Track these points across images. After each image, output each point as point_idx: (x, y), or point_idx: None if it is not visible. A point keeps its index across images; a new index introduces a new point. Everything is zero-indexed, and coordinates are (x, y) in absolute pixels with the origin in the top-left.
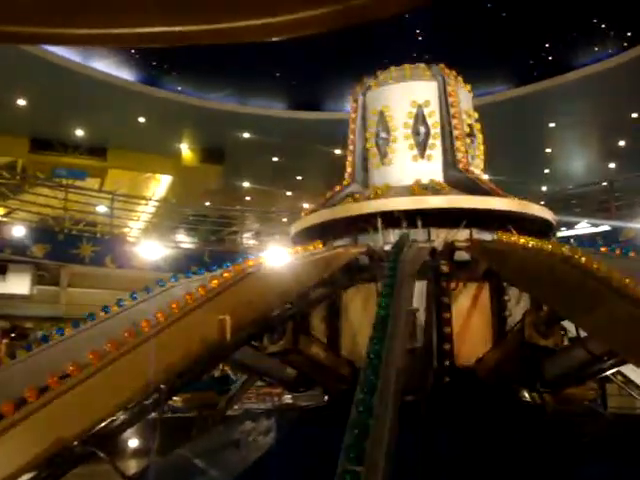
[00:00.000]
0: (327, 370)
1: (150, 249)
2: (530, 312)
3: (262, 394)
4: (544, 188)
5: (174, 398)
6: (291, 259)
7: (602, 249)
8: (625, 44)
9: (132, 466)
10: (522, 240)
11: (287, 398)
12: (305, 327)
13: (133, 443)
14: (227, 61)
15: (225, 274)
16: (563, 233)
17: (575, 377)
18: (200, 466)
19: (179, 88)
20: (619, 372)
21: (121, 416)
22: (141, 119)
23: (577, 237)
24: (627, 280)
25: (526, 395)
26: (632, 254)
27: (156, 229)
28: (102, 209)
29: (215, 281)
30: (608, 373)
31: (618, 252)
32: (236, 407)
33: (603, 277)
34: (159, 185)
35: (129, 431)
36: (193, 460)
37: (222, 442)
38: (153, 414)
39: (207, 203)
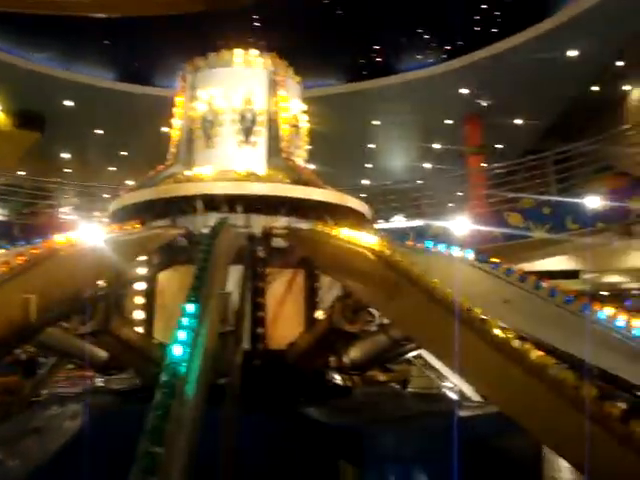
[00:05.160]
0: (139, 352)
1: None
2: (339, 299)
3: (73, 377)
4: (366, 182)
5: None
6: (107, 237)
7: (409, 243)
8: (445, 56)
9: None
10: (336, 230)
11: (99, 381)
12: (118, 308)
13: None
14: (53, 21)
15: (32, 250)
16: (380, 226)
17: (379, 360)
18: None
19: None
20: (419, 355)
21: None
22: None
23: (392, 230)
24: (423, 273)
25: (336, 377)
26: (433, 248)
27: None
28: None
29: (21, 258)
30: (409, 356)
31: (420, 246)
32: (44, 392)
33: (403, 269)
34: None
35: None
36: None
37: (22, 429)
38: None
39: (21, 172)
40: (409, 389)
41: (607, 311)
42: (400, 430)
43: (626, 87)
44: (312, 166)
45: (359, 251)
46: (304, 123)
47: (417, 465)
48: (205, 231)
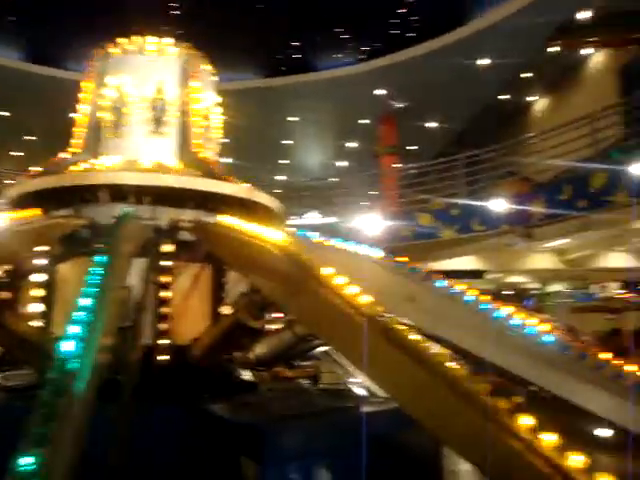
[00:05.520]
0: (35, 347)
1: None
2: (245, 295)
3: None
4: (282, 178)
5: None
6: (2, 226)
7: (318, 240)
8: (363, 57)
9: None
10: (244, 226)
11: None
12: (14, 301)
13: None
14: None
15: None
16: (294, 222)
17: (284, 356)
18: None
19: None
20: (328, 352)
21: None
22: None
23: (306, 227)
24: (329, 270)
25: (244, 373)
26: (341, 246)
27: None
28: None
29: None
30: (318, 352)
31: (330, 244)
32: None
33: (307, 266)
34: None
35: None
36: None
37: None
38: None
39: None
40: (319, 385)
41: (506, 310)
42: (303, 426)
43: (531, 97)
44: (228, 160)
45: (264, 247)
46: (218, 116)
47: (320, 461)
48: (109, 222)
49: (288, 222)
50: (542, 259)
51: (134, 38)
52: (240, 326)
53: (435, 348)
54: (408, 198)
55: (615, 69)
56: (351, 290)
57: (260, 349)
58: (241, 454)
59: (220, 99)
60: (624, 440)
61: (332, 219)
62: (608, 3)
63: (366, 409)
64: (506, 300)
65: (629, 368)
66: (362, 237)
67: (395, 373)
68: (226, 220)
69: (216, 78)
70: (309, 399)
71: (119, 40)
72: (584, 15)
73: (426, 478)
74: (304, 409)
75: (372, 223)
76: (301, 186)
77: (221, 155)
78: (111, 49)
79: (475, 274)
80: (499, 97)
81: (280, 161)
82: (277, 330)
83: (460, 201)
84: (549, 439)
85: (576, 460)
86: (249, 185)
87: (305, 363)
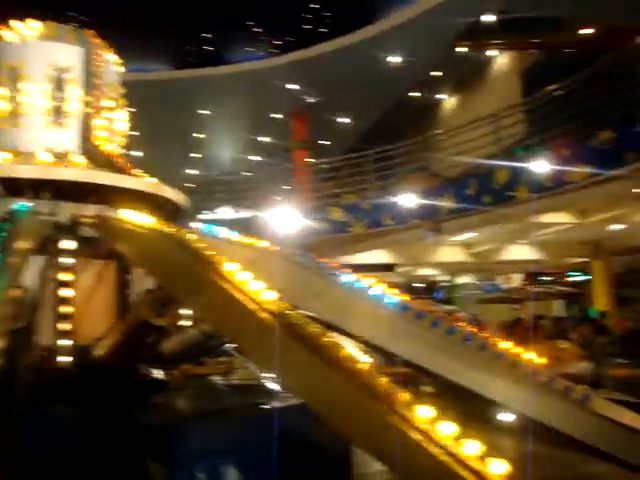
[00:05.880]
0: None
1: None
2: (148, 292)
3: None
4: (193, 172)
5: None
6: None
7: (224, 235)
8: (275, 51)
9: None
10: (147, 221)
11: None
12: None
13: None
14: None
15: None
16: (207, 216)
17: (191, 354)
18: None
19: None
20: None
21: None
22: None
23: (218, 221)
24: (233, 266)
25: (154, 372)
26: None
27: None
28: None
29: None
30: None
31: (236, 239)
32: None
33: (210, 262)
34: None
35: None
36: None
37: None
38: None
39: None
40: (232, 381)
41: (410, 303)
42: (211, 425)
43: (441, 96)
44: (137, 153)
45: (167, 242)
46: (123, 107)
47: (229, 460)
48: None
49: (200, 216)
50: (450, 252)
51: (32, 22)
52: (144, 324)
53: (344, 342)
54: (320, 193)
55: (518, 71)
56: (255, 286)
57: (167, 347)
58: (148, 457)
59: (125, 90)
60: (525, 424)
61: (245, 214)
62: (512, 8)
63: (277, 405)
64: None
65: (526, 356)
66: (274, 232)
67: (299, 369)
68: (129, 215)
69: (122, 68)
70: (220, 396)
71: (15, 24)
72: (490, 18)
73: (336, 474)
74: (213, 407)
75: (284, 218)
76: (214, 180)
77: (128, 148)
78: (6, 33)
79: (386, 267)
80: (410, 94)
81: (192, 154)
82: (184, 327)
83: (371, 196)
84: (447, 428)
85: (472, 447)
86: (154, 179)
87: (218, 359)
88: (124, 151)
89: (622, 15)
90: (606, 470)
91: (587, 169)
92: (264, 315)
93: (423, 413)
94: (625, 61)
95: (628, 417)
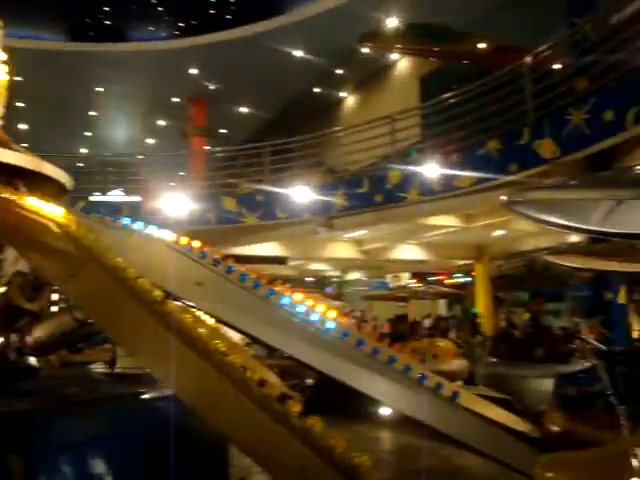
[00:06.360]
0: None
1: None
2: (18, 274)
3: None
4: (85, 151)
5: None
6: None
7: (106, 218)
8: (177, 32)
9: None
10: (24, 199)
11: None
12: None
13: None
14: None
15: None
16: (95, 198)
17: (66, 340)
18: None
19: None
20: None
21: None
22: None
23: (106, 204)
24: (109, 252)
25: (29, 359)
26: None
27: None
28: None
29: None
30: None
31: (118, 223)
32: None
33: (87, 245)
34: None
35: None
36: None
37: None
38: None
39: None
40: (114, 370)
41: (293, 297)
42: (77, 415)
43: (342, 93)
44: (22, 126)
45: (43, 222)
46: (2, 75)
47: (95, 451)
48: None
49: (90, 198)
50: (342, 248)
51: None
52: (13, 307)
53: (227, 333)
54: (215, 181)
55: (417, 76)
56: (133, 273)
57: (38, 333)
58: (6, 449)
59: (5, 56)
60: (403, 419)
61: (136, 198)
62: (414, 14)
63: (152, 395)
64: (308, 286)
65: (402, 356)
66: (165, 218)
67: (170, 359)
68: (4, 192)
69: (2, 31)
70: (94, 385)
71: None
72: (393, 22)
73: (212, 464)
74: (84, 396)
75: (176, 204)
76: (106, 161)
77: (8, 120)
78: None
79: (278, 260)
80: (311, 90)
81: (85, 133)
82: (56, 313)
83: (265, 187)
84: (315, 423)
85: (337, 441)
86: (34, 155)
87: (103, 347)
88: (1, 122)
89: (516, 35)
90: (479, 463)
91: (474, 175)
92: (137, 304)
93: (292, 408)
94: (513, 78)
95: (493, 412)
